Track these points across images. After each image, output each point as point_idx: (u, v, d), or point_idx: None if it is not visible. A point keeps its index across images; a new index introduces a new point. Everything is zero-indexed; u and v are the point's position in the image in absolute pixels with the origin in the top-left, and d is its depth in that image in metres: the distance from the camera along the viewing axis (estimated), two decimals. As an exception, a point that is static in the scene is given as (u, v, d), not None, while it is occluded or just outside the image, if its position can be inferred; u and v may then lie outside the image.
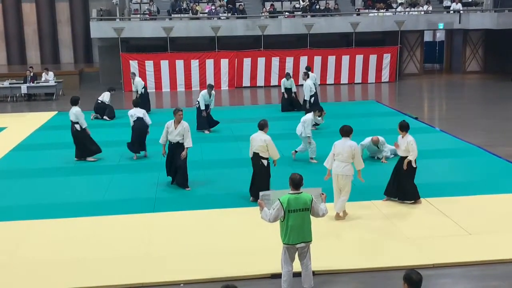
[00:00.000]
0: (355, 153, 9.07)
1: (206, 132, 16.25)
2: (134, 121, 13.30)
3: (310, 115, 12.78)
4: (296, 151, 13.04)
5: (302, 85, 17.90)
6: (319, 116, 13.35)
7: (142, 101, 18.07)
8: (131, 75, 20.39)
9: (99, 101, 18.60)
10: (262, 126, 10.24)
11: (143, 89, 19.24)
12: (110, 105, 18.66)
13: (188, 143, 10.85)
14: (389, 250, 8.01)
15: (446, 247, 8.08)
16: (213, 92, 16.37)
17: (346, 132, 9.16)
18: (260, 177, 10.11)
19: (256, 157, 10.18)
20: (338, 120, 17.55)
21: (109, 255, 8.04)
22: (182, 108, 11.38)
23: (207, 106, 16.23)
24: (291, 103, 19.25)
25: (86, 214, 9.65)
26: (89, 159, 13.23)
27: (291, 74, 20.62)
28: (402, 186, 9.77)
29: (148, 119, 13.46)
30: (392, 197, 9.97)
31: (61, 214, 9.69)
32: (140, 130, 13.24)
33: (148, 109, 18.38)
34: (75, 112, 13.00)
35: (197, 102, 16.31)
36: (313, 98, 17.07)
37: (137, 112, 13.36)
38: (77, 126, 12.96)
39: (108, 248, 8.27)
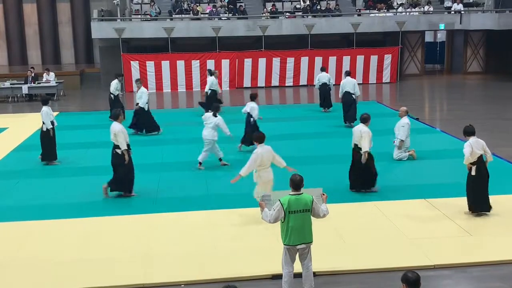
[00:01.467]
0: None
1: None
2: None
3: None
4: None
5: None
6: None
7: (143, 120, 16.14)
8: (136, 81, 17.66)
9: (111, 95, 17.72)
10: (365, 119, 10.52)
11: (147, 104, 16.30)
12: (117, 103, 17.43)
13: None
14: (390, 251, 8.00)
15: (447, 248, 8.07)
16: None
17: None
18: (358, 168, 10.42)
19: (356, 148, 10.50)
20: (340, 121, 17.63)
21: (110, 255, 8.04)
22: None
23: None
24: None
25: (87, 215, 9.64)
26: (54, 162, 13.09)
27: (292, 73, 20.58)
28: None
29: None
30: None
31: (62, 214, 9.69)
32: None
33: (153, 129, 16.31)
34: (42, 112, 12.91)
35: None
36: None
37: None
38: (43, 127, 12.91)
39: (109, 249, 8.27)
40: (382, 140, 14.43)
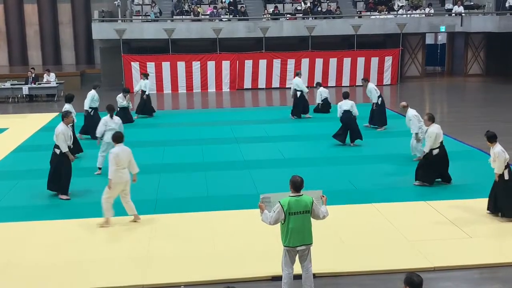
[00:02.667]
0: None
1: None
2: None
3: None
4: None
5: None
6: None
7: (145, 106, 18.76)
8: (142, 76, 20.15)
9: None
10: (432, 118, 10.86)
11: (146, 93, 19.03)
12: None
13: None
14: (390, 253, 8.00)
15: (447, 250, 8.07)
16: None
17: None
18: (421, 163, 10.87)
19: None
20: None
21: (110, 256, 8.04)
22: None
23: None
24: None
25: (86, 216, 9.64)
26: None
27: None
28: None
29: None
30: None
31: (62, 215, 9.70)
32: None
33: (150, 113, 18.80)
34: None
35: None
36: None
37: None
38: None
39: (109, 250, 8.28)
40: (383, 142, 14.46)
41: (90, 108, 15.39)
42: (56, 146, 10.45)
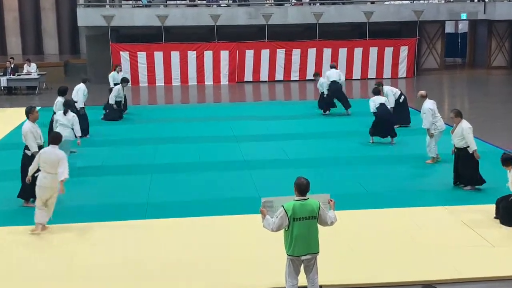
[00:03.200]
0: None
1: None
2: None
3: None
4: None
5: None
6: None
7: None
8: (117, 67, 19.82)
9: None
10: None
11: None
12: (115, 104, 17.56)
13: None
14: (404, 263, 8.00)
15: (467, 261, 8.07)
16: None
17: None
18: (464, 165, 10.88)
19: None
20: (349, 118, 17.65)
21: (98, 262, 8.06)
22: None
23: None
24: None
25: (70, 221, 9.63)
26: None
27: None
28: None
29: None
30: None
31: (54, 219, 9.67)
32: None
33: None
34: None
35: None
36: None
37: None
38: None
39: (96, 257, 8.28)
40: (397, 141, 14.45)
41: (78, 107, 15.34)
42: (27, 147, 10.33)
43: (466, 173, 10.94)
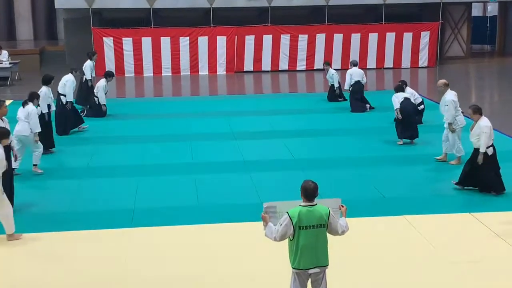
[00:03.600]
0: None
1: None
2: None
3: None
4: None
5: None
6: None
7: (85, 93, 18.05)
8: (93, 56, 19.16)
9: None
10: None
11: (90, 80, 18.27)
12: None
13: None
14: (425, 276, 8.01)
15: (496, 274, 8.07)
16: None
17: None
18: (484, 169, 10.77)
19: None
20: (363, 114, 17.63)
21: (78, 278, 8.06)
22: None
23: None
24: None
25: (47, 229, 9.66)
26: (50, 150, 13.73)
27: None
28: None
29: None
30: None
31: (20, 227, 9.68)
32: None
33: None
34: (40, 93, 13.40)
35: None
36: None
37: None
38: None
39: (77, 270, 8.28)
40: (417, 139, 14.45)
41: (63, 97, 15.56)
42: None
43: (487, 178, 10.89)
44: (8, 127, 10.54)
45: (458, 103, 12.51)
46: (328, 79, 19.00)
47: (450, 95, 12.50)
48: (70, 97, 15.53)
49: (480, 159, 10.76)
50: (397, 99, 14.26)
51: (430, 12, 27.28)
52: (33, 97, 12.64)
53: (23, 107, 12.27)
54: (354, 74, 18.00)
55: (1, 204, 9.13)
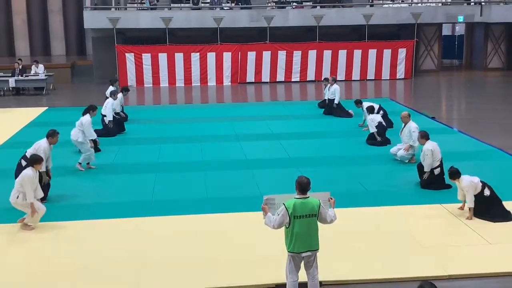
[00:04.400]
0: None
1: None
2: None
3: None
4: None
5: None
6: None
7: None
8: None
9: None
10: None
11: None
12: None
13: None
14: (402, 260, 8.00)
15: (464, 257, 8.06)
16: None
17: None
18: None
19: None
20: (348, 118, 17.61)
21: (100, 262, 8.05)
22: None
23: None
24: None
25: (77, 218, 9.65)
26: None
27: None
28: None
29: None
30: None
31: (50, 217, 9.69)
32: None
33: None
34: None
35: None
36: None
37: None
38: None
39: (99, 255, 8.28)
40: (396, 141, 14.43)
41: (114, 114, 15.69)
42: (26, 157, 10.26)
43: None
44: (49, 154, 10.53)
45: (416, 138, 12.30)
46: (328, 94, 18.29)
47: (414, 123, 12.60)
48: (110, 117, 15.45)
49: (426, 175, 10.94)
50: (373, 123, 14.32)
51: (406, 32, 27.26)
52: (89, 110, 12.70)
53: (83, 116, 12.50)
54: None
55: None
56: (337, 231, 8.35)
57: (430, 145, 10.96)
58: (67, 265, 7.93)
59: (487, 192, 9.44)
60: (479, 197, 9.40)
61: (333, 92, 18.00)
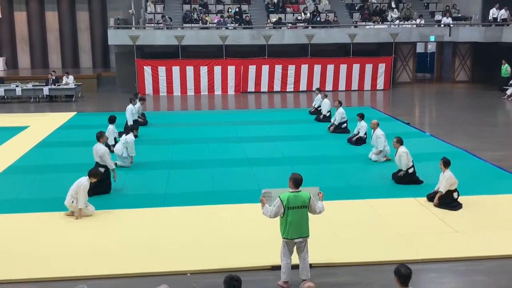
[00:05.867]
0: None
1: None
2: None
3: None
4: None
5: None
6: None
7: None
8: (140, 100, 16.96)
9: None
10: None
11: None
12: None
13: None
14: (381, 246, 7.98)
15: (434, 243, 8.05)
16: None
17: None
18: None
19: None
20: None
21: (120, 245, 8.04)
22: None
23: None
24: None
25: (101, 207, 9.64)
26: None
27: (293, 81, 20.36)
28: None
29: None
30: None
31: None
32: None
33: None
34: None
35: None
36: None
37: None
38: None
39: (120, 239, 8.26)
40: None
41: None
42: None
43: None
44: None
45: (386, 139, 12.55)
46: (316, 103, 18.62)
47: (380, 131, 12.64)
48: (130, 121, 15.29)
49: (401, 173, 10.94)
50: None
51: (385, 49, 27.24)
52: (130, 129, 12.79)
53: (126, 134, 12.40)
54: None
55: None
56: (325, 220, 8.34)
57: (404, 148, 10.98)
58: (102, 245, 7.92)
59: (455, 195, 9.55)
60: (449, 193, 9.42)
61: (323, 105, 18.04)
